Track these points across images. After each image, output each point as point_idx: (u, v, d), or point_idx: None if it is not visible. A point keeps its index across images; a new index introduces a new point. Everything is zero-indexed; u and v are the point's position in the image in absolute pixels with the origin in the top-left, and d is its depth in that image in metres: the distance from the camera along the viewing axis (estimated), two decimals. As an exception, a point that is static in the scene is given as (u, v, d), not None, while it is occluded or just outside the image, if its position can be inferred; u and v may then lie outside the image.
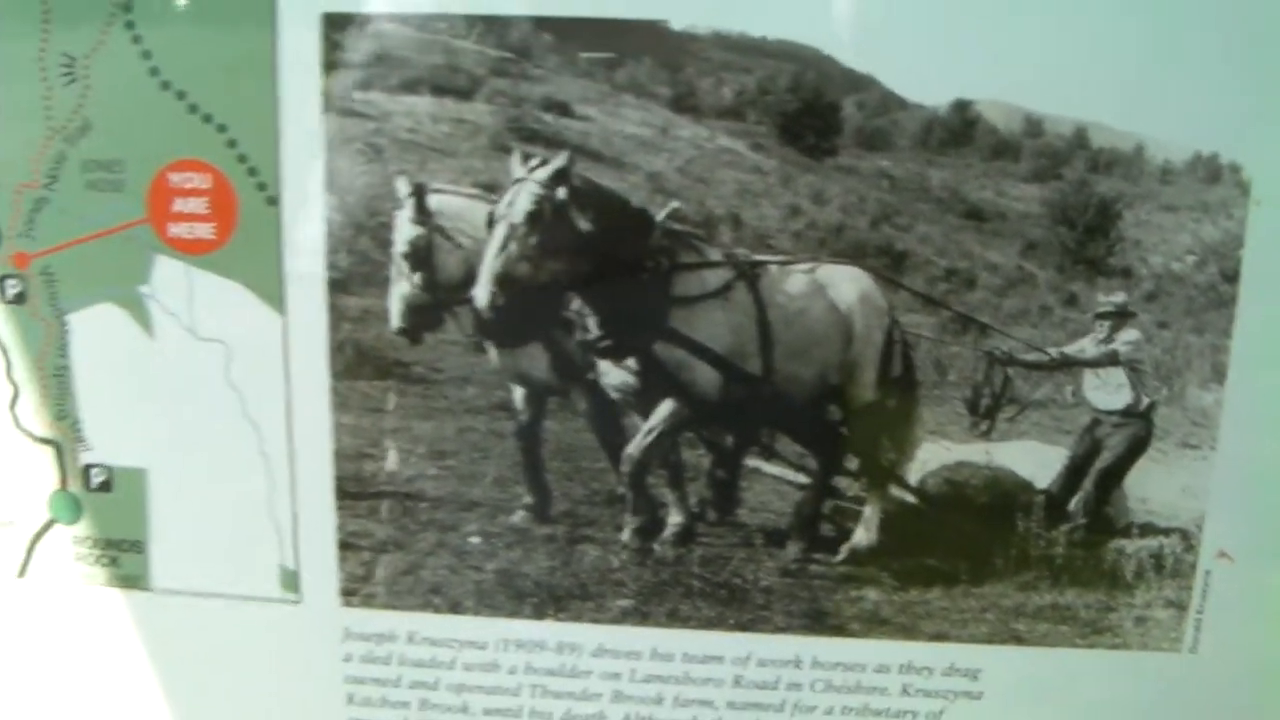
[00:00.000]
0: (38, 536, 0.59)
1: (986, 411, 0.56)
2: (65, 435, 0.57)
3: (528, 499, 0.56)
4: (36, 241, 0.55)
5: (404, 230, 0.55)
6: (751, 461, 0.57)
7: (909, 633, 0.55)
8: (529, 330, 0.56)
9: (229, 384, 0.56)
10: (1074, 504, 0.56)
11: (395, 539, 0.56)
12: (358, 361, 0.55)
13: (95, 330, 0.56)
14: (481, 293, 0.54)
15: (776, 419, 0.56)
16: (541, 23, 0.52)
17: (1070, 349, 0.56)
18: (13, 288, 0.56)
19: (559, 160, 0.53)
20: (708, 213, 0.54)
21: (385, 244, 0.54)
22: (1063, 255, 0.54)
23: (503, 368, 0.57)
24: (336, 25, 0.53)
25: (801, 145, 0.53)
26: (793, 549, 0.55)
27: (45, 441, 0.57)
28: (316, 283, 0.54)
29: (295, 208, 0.53)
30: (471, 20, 0.52)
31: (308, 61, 0.52)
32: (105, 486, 0.57)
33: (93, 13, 0.52)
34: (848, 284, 0.55)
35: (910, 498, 0.57)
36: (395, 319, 0.55)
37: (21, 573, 0.58)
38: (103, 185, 0.54)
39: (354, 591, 0.57)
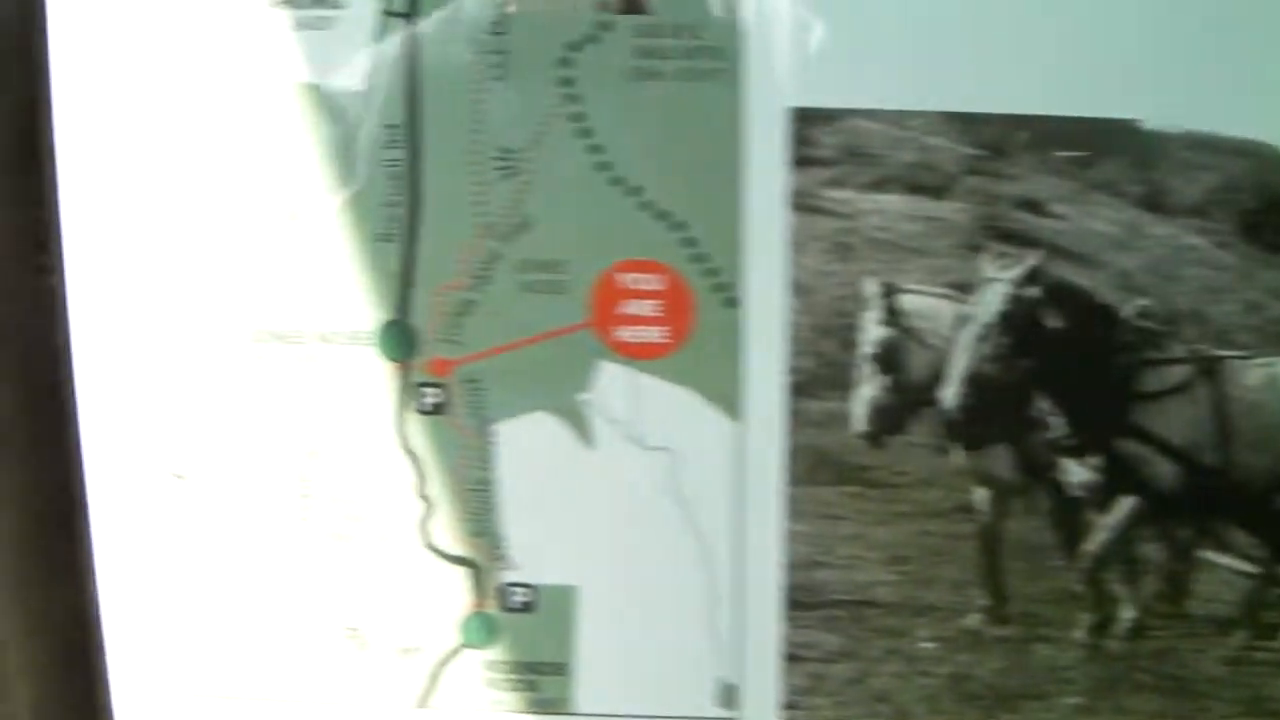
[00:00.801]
0: (444, 662, 0.54)
1: None
2: (484, 553, 0.53)
3: (983, 600, 0.55)
4: (461, 347, 0.51)
5: (872, 331, 0.52)
6: (1203, 553, 0.57)
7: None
8: (995, 430, 0.54)
9: (674, 494, 0.52)
10: None
11: (845, 648, 0.55)
12: (816, 467, 0.53)
13: (525, 441, 0.51)
14: (950, 393, 0.53)
15: (1231, 510, 0.56)
16: (1018, 121, 0.50)
17: None
18: (431, 397, 0.51)
19: (1031, 259, 0.51)
20: (1172, 309, 0.53)
21: (851, 345, 0.51)
22: None
23: (966, 469, 0.55)
24: (807, 120, 0.50)
25: (1262, 242, 0.53)
26: (1238, 638, 0.56)
27: (460, 561, 0.53)
28: (776, 387, 0.52)
29: (757, 309, 0.51)
30: (947, 117, 0.50)
31: (775, 158, 0.50)
32: (528, 607, 0.53)
33: (535, 105, 0.49)
34: (1305, 376, 0.56)
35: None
36: (859, 422, 0.52)
37: (423, 702, 0.54)
38: (541, 286, 0.51)
39: (796, 705, 0.53)
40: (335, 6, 0.49)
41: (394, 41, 0.49)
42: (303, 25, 0.49)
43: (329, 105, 0.49)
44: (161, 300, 0.51)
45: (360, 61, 0.49)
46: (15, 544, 0.56)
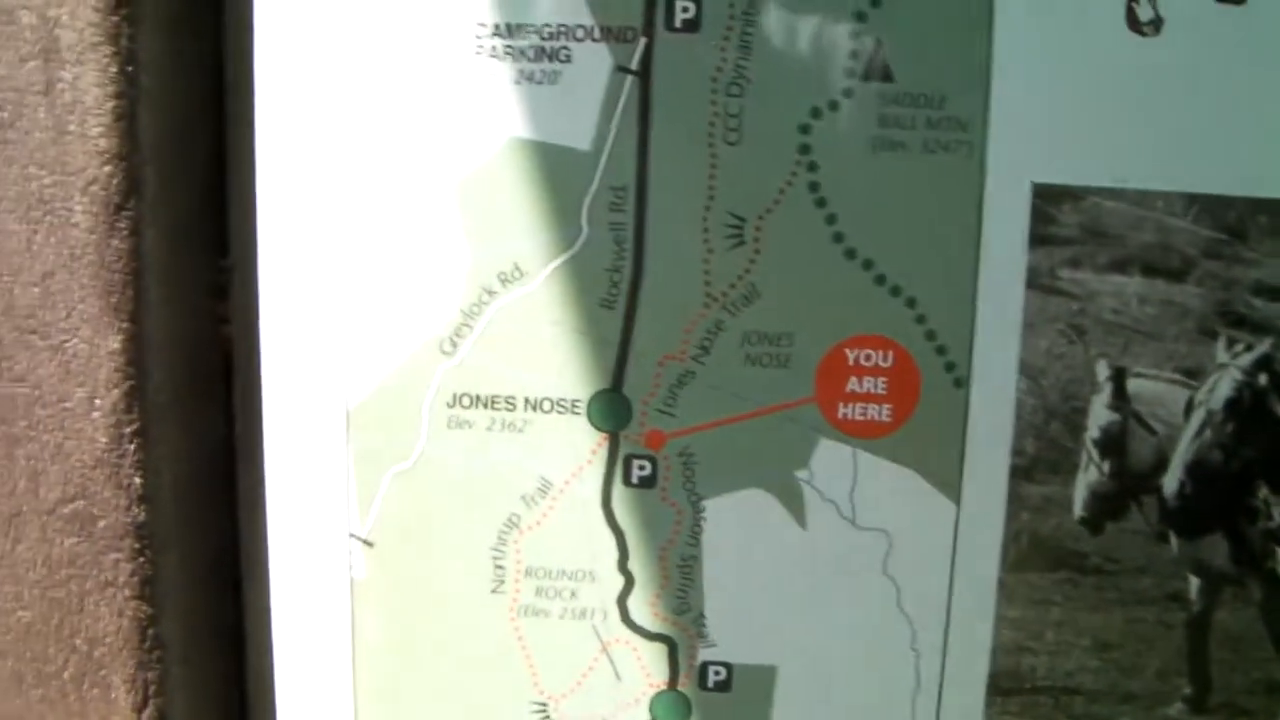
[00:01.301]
0: (633, 740, 0.53)
1: None
2: (684, 631, 0.51)
3: (1187, 690, 0.53)
4: (677, 420, 0.49)
5: (1099, 415, 0.50)
6: None
7: None
8: (1214, 519, 0.53)
9: (886, 575, 0.50)
10: None
11: (1047, 735, 0.53)
12: (1032, 552, 0.51)
13: (737, 517, 0.49)
14: (1172, 480, 0.52)
15: None
16: (1259, 204, 0.49)
17: None
18: (641, 469, 0.49)
19: (1264, 346, 0.50)
20: (1400, 398, 0.52)
21: (1076, 429, 0.50)
22: None
23: (1182, 557, 0.53)
24: (1048, 198, 0.48)
25: None
26: None
27: (658, 638, 0.51)
28: (999, 469, 0.50)
29: (984, 390, 0.49)
30: (1190, 199, 0.49)
31: (1015, 235, 0.48)
32: (723, 685, 0.51)
33: (771, 171, 0.47)
34: None
35: None
36: (1079, 507, 0.51)
37: (609, 778, 0.53)
38: (765, 360, 0.48)
39: (993, 790, 0.54)
40: (563, 61, 0.47)
41: (624, 99, 0.47)
42: (529, 79, 0.46)
43: (554, 163, 0.47)
44: (359, 352, 0.48)
45: (588, 119, 0.47)
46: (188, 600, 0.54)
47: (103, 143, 0.47)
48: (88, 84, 0.47)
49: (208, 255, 0.51)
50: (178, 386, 0.51)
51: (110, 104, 0.47)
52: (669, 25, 0.47)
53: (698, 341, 0.48)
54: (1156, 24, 0.49)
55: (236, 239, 0.51)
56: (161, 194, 0.48)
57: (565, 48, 0.47)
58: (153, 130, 0.48)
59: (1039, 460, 0.51)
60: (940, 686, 0.52)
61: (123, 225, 0.47)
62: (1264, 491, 0.53)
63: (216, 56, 0.51)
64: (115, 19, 0.47)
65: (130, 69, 0.47)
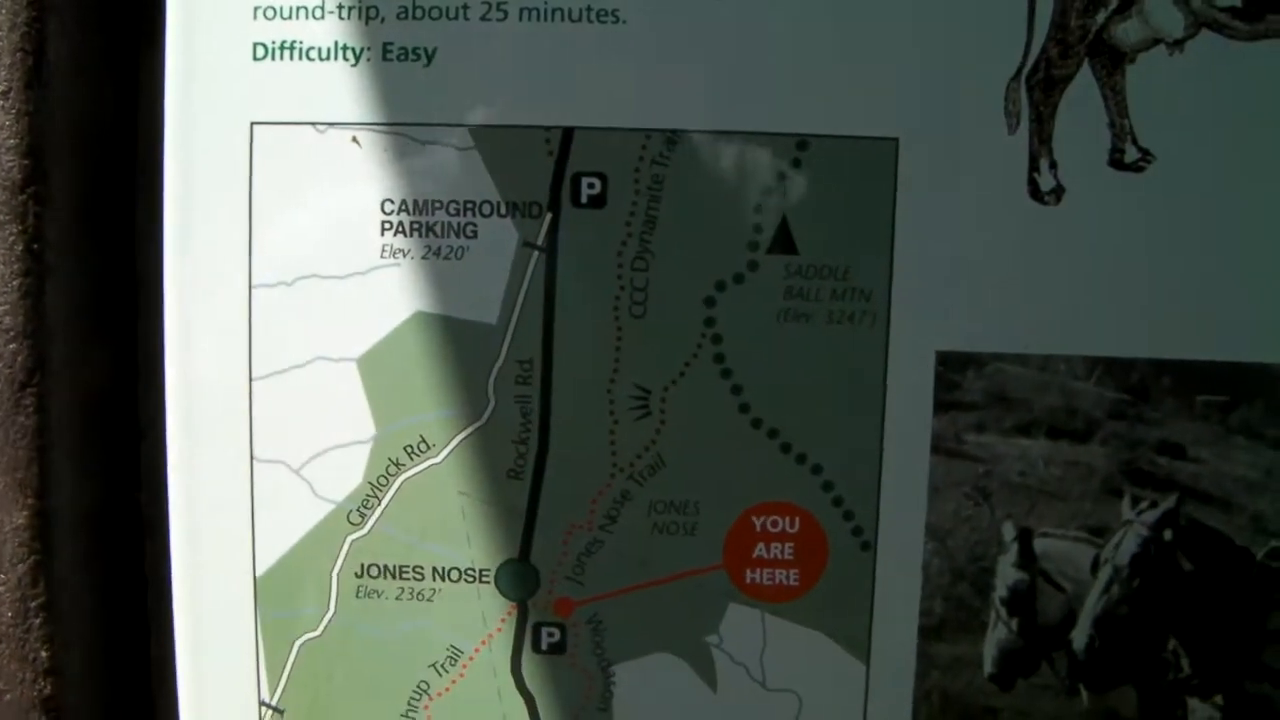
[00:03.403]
0: None
1: None
2: (596, 794, 0.52)
3: (1100, 841, 0.54)
4: (585, 588, 0.49)
5: (1007, 574, 0.51)
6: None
7: None
8: (1123, 672, 0.54)
9: (797, 737, 0.52)
10: None
11: None
12: (943, 710, 0.51)
13: (645, 682, 0.49)
14: (1081, 636, 0.52)
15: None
16: (1162, 365, 0.50)
17: None
18: (550, 637, 0.49)
19: (1168, 502, 0.51)
20: (1302, 550, 0.53)
21: (984, 589, 0.50)
22: None
23: (1093, 711, 0.53)
24: (952, 365, 0.49)
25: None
26: None
27: (571, 800, 0.52)
28: (908, 630, 0.50)
29: (891, 553, 0.49)
30: (1093, 361, 0.50)
31: (919, 402, 0.48)
32: (639, 847, 0.52)
33: (676, 344, 0.47)
34: None
35: None
36: (989, 665, 0.51)
37: None
38: (673, 528, 0.48)
39: None
40: (469, 236, 0.47)
41: (530, 273, 0.47)
42: (435, 254, 0.47)
43: (461, 337, 0.47)
44: (267, 521, 0.48)
45: (494, 293, 0.47)
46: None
47: (7, 320, 0.47)
48: (-7, 261, 0.48)
49: (118, 427, 0.52)
50: (88, 559, 0.50)
51: (16, 281, 0.47)
52: (575, 201, 0.47)
53: (605, 511, 0.48)
54: (1057, 193, 0.49)
55: (144, 409, 0.51)
56: (68, 369, 0.49)
57: (472, 223, 0.48)
58: (59, 307, 0.48)
59: (947, 620, 0.51)
60: (854, 844, 0.53)
61: (28, 402, 0.47)
62: (1173, 643, 0.54)
63: (127, 230, 0.51)
64: (22, 197, 0.47)
65: (36, 247, 0.47)
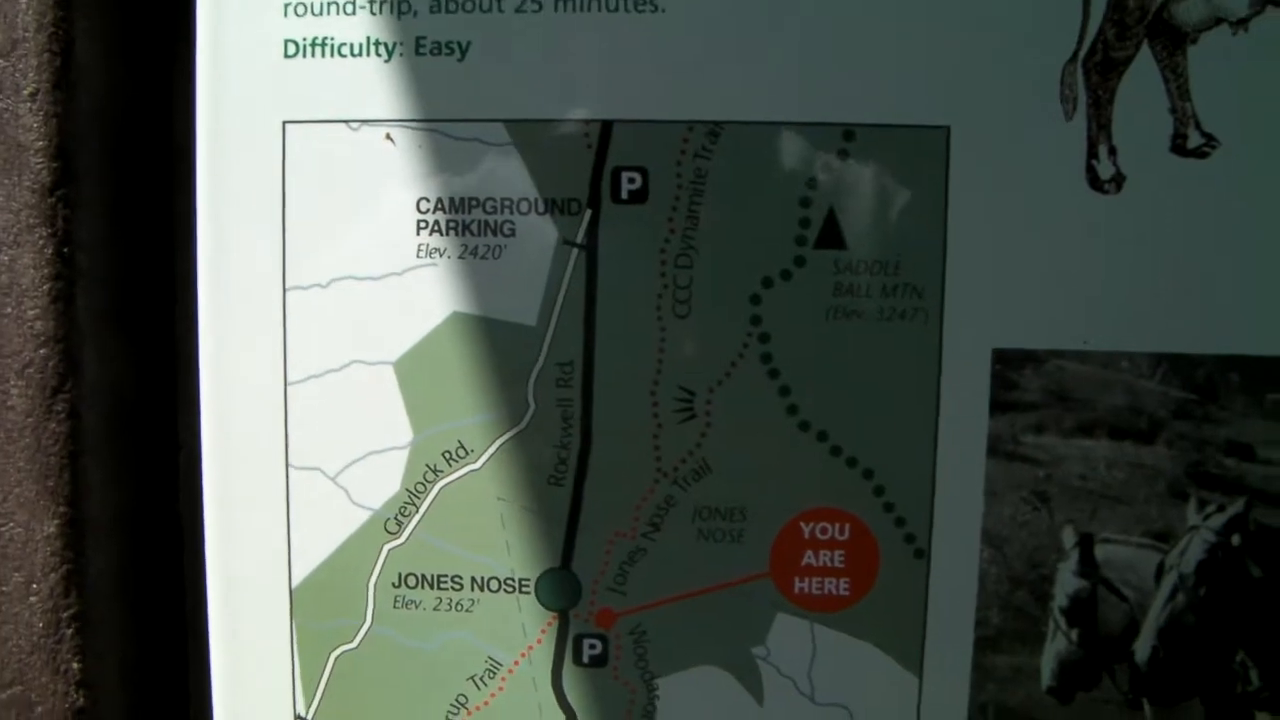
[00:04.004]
0: None
1: None
2: (640, 810, 0.51)
3: None
4: (627, 598, 0.47)
5: (1066, 583, 0.49)
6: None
7: None
8: (1189, 685, 0.52)
9: (848, 752, 0.50)
10: None
11: None
12: (1000, 724, 0.50)
13: (691, 695, 0.47)
14: (1144, 647, 0.49)
15: None
16: (1229, 361, 0.48)
17: None
18: (592, 649, 0.48)
19: (1236, 506, 0.48)
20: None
21: (1043, 598, 0.48)
22: None
23: (1158, 725, 0.53)
24: (1009, 363, 0.47)
25: None
26: None
27: (616, 817, 0.51)
28: (963, 641, 0.48)
29: (946, 560, 0.47)
30: (1157, 358, 0.48)
31: (975, 402, 0.46)
32: None
33: (722, 344, 0.46)
34: None
35: None
36: (1047, 677, 0.49)
37: None
38: (718, 535, 0.47)
39: None
40: (507, 234, 0.46)
41: (570, 272, 0.46)
42: (473, 253, 0.46)
43: (499, 338, 0.46)
44: (304, 530, 0.47)
45: (533, 293, 0.46)
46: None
47: (39, 325, 0.47)
48: (24, 266, 0.46)
49: (152, 433, 0.51)
50: (121, 569, 0.50)
51: (46, 285, 0.47)
52: (615, 197, 0.46)
53: (648, 518, 0.47)
54: (1118, 181, 0.47)
55: (183, 419, 0.51)
56: (101, 375, 0.48)
57: (509, 221, 0.46)
58: (91, 311, 0.47)
59: (1004, 630, 0.49)
60: None
61: (59, 408, 0.47)
62: (1241, 655, 0.51)
63: (160, 233, 0.51)
64: (52, 200, 0.47)
65: (66, 250, 0.47)
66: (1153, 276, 0.46)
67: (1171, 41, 0.47)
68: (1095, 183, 0.47)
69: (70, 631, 0.48)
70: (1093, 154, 0.47)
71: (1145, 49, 0.46)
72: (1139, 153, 0.45)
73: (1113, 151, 0.47)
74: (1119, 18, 0.46)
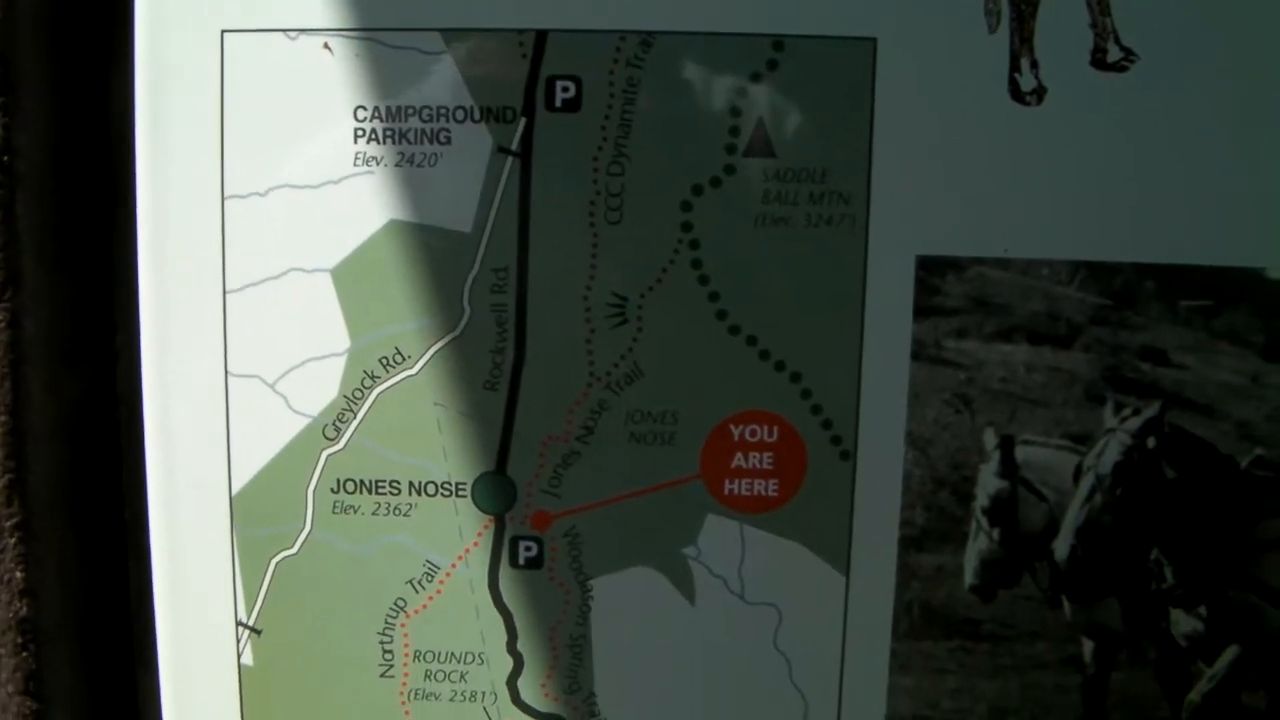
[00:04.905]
0: (527, 818, 0.53)
1: None
2: (575, 710, 0.50)
3: (1086, 754, 0.54)
4: (562, 500, 0.48)
5: (988, 484, 0.50)
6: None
7: None
8: (1106, 582, 0.53)
9: (777, 649, 0.50)
10: None
11: (945, 803, 0.53)
12: (924, 621, 0.51)
13: (624, 596, 0.49)
14: (1063, 546, 0.51)
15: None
16: (1146, 270, 0.49)
17: None
18: (527, 551, 0.49)
19: (1151, 409, 0.50)
20: (1288, 458, 0.53)
21: (965, 498, 0.50)
22: None
23: (1076, 621, 0.53)
24: (933, 269, 0.49)
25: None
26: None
27: (549, 717, 0.50)
28: (888, 541, 0.50)
29: (871, 462, 0.49)
30: (1075, 266, 0.49)
31: (899, 307, 0.48)
32: (621, 763, 0.52)
33: (653, 250, 0.47)
34: None
35: None
36: (970, 576, 0.50)
37: None
38: (650, 438, 0.48)
39: None
40: (443, 142, 0.46)
41: (505, 180, 0.47)
42: (409, 161, 0.46)
43: (435, 245, 0.47)
44: (242, 438, 0.47)
45: (468, 200, 0.46)
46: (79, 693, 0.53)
47: (-24, 233, 0.47)
48: (-39, 174, 0.47)
49: (93, 341, 0.51)
50: (62, 478, 0.50)
51: (-18, 197, 0.47)
52: (549, 105, 0.46)
53: (582, 421, 0.48)
54: (1039, 94, 0.49)
55: (121, 328, 0.51)
56: (41, 284, 0.48)
57: (445, 129, 0.47)
58: (29, 220, 0.48)
59: (928, 530, 0.50)
60: (838, 757, 0.53)
61: (0, 317, 0.48)
62: (1156, 553, 0.53)
63: (99, 141, 0.51)
64: (-12, 104, 0.47)
65: (5, 158, 0.47)
66: (1072, 187, 0.47)
67: (1091, -43, 0.49)
68: (1017, 95, 0.48)
69: (13, 541, 0.48)
70: (1015, 67, 0.48)
71: (1067, -37, 0.48)
72: (1060, 66, 0.47)
73: (1035, 65, 0.49)
74: (1042, -68, 0.48)
